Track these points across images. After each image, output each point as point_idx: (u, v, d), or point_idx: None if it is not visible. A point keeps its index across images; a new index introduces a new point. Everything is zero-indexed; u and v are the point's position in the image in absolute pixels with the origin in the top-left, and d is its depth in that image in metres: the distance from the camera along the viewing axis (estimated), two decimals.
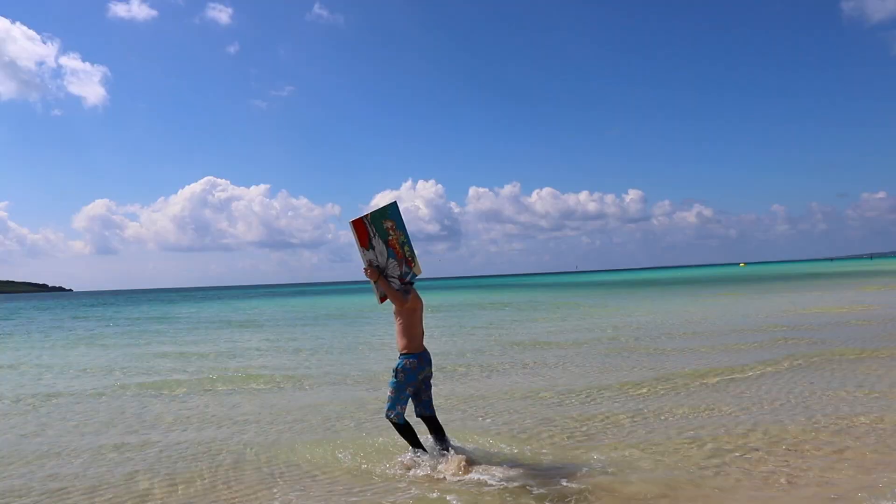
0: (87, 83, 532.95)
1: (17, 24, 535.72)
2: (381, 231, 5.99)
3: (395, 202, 6.13)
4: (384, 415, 5.94)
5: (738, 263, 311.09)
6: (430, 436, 6.06)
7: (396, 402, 5.80)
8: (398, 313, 5.90)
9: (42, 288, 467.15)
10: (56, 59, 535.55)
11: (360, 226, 5.85)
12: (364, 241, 5.87)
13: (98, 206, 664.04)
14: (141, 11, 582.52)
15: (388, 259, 6.00)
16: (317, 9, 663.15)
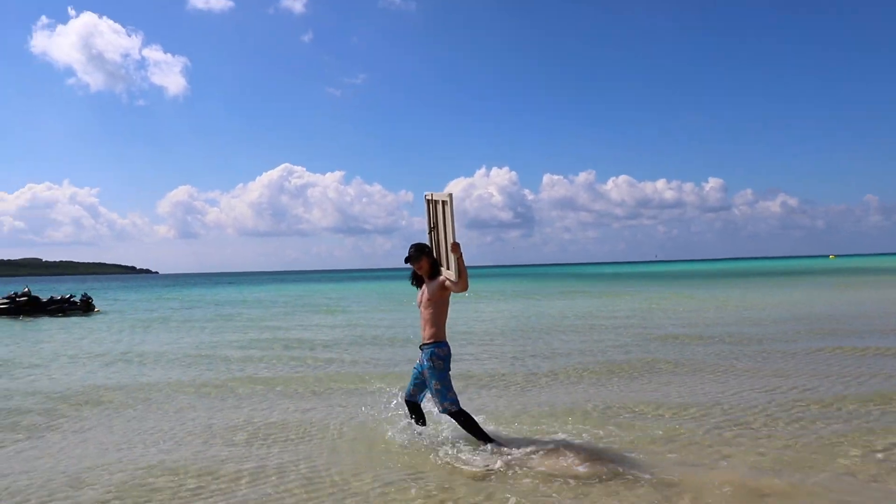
0: (169, 74, 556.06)
1: (104, 18, 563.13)
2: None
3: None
4: (440, 411, 5.54)
5: (828, 255, 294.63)
6: (412, 418, 5.89)
7: (449, 389, 5.48)
8: (439, 300, 5.56)
9: (130, 270, 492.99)
10: (140, 50, 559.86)
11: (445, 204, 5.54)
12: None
13: (181, 193, 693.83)
14: (218, 2, 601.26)
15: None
16: None
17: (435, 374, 5.47)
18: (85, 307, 27.87)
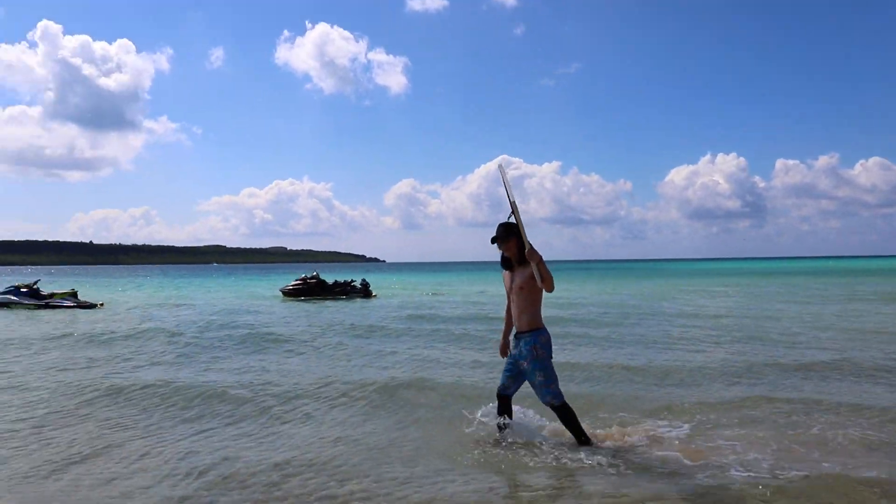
0: (391, 74, 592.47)
1: (335, 27, 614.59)
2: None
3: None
4: (553, 403, 5.14)
5: None
6: (503, 416, 5.46)
7: (552, 381, 5.13)
8: (533, 287, 5.08)
9: (360, 258, 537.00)
10: (366, 54, 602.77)
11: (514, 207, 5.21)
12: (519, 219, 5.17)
13: (404, 186, 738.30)
14: (434, 3, 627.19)
15: None
16: None
17: (538, 365, 5.13)
18: (364, 292, 28.96)
